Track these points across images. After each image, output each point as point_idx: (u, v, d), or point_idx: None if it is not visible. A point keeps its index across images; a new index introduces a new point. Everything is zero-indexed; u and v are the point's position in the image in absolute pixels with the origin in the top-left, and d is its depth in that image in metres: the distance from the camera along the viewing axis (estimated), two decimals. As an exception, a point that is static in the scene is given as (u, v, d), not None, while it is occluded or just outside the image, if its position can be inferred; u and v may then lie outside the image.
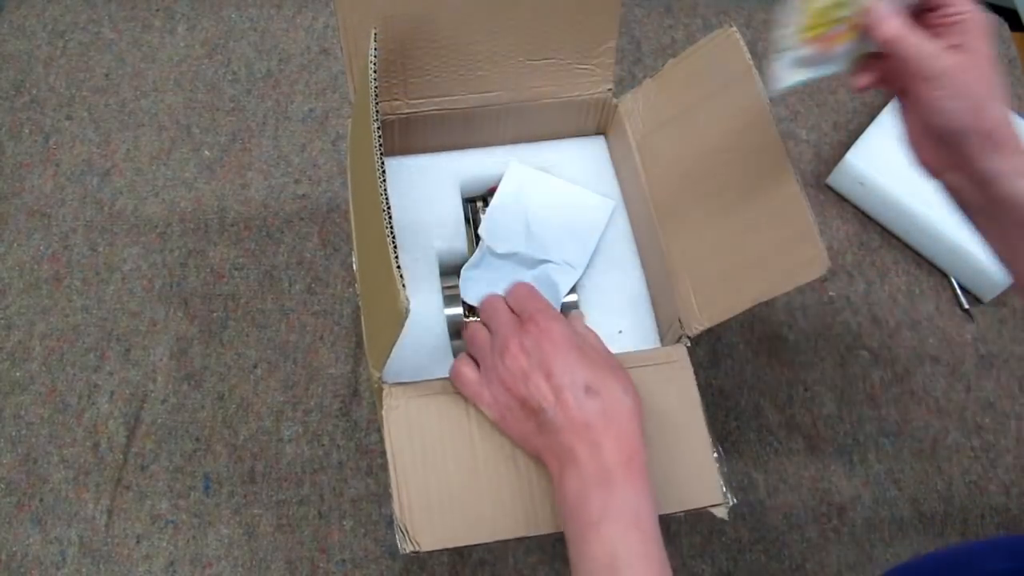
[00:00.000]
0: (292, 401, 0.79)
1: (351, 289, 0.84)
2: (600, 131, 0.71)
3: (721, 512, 0.54)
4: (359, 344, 0.82)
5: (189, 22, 0.99)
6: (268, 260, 0.85)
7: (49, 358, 0.79)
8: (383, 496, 0.75)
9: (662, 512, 0.54)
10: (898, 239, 0.93)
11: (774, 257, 0.56)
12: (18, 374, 0.79)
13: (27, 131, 0.91)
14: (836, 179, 0.94)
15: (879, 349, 0.87)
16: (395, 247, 0.45)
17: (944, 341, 0.88)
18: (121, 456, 0.76)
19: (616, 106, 0.66)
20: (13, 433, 0.76)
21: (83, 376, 0.79)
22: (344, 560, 0.73)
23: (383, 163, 0.48)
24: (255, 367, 0.80)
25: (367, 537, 0.74)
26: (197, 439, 0.77)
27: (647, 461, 0.47)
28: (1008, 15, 1.14)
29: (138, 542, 0.73)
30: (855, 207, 0.94)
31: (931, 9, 0.49)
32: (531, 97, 0.65)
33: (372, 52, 0.50)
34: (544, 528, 0.51)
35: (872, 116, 0.96)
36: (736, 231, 0.57)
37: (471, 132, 0.68)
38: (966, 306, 0.90)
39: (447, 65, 0.62)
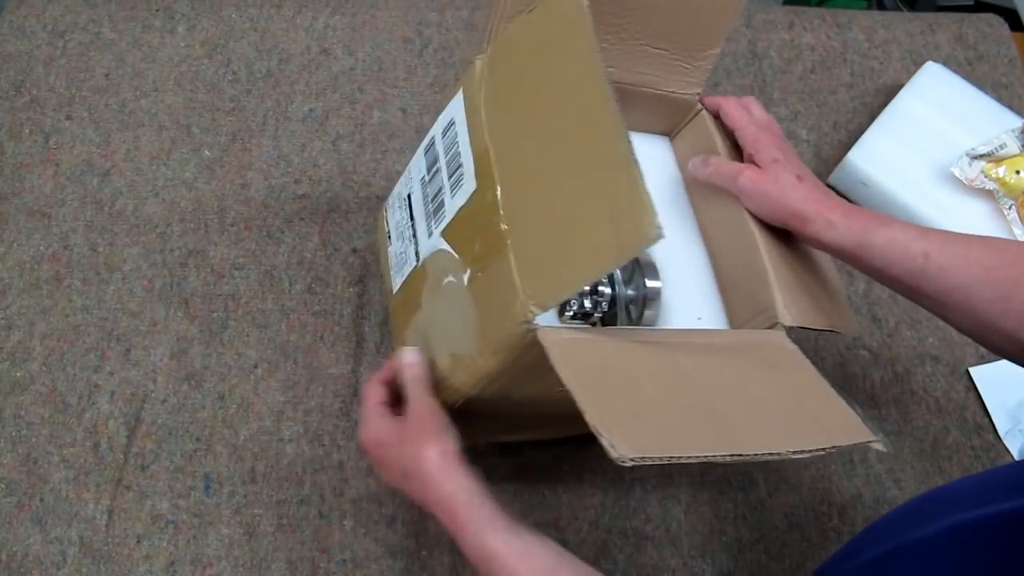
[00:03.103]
0: (292, 401, 0.79)
1: (351, 289, 0.84)
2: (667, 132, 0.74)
3: (878, 446, 0.53)
4: (359, 344, 0.82)
5: (189, 22, 0.99)
6: (268, 260, 0.85)
7: (49, 358, 0.79)
8: (384, 496, 0.75)
9: (830, 445, 0.51)
10: (898, 239, 0.93)
11: None
12: (18, 374, 0.79)
13: (27, 131, 0.91)
14: (837, 179, 0.94)
15: (879, 349, 0.87)
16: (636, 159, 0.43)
17: (944, 341, 0.88)
18: (121, 456, 0.76)
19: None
20: (13, 433, 0.76)
21: (83, 376, 0.79)
22: (344, 560, 0.73)
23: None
24: (255, 367, 0.80)
25: (367, 537, 0.74)
26: (197, 439, 0.77)
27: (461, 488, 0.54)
28: (1008, 15, 1.14)
29: (138, 542, 0.73)
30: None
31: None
32: None
33: None
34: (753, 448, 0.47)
35: (873, 116, 0.96)
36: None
37: None
38: (966, 306, 0.90)
39: None
